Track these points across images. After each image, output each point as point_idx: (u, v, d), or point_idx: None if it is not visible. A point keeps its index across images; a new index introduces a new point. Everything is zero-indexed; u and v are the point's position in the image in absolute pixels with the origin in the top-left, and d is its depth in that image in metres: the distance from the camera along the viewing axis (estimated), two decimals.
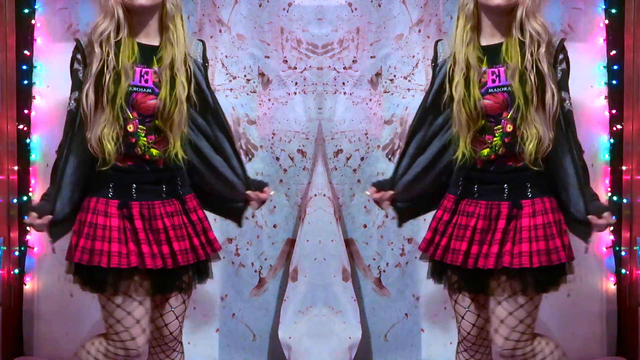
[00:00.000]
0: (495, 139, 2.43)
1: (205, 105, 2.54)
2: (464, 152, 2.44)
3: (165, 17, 2.46)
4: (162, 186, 2.45)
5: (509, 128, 2.41)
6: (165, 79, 2.43)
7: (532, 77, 2.40)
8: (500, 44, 2.45)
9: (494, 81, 2.43)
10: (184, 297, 2.56)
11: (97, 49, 2.42)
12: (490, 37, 2.47)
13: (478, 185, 2.46)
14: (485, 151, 2.44)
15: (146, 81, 2.43)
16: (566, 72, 2.47)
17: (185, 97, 2.44)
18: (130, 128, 2.40)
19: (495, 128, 2.42)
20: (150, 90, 2.42)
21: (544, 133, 2.40)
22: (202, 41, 2.63)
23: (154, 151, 2.43)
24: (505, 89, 2.42)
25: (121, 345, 2.44)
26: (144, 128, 2.41)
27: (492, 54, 2.46)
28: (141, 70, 2.43)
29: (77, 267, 2.44)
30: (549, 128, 2.41)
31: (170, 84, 2.43)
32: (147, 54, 2.45)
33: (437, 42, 2.62)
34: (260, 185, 2.69)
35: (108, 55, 2.40)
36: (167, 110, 2.41)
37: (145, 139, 2.42)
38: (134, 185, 2.43)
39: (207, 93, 2.56)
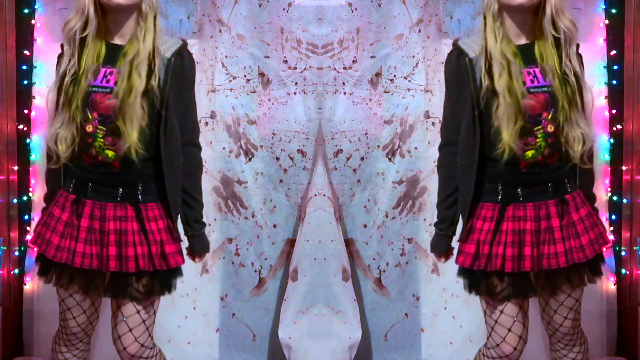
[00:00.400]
0: (538, 140, 2.42)
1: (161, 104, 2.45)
2: (510, 146, 2.39)
3: (139, 17, 2.44)
4: (117, 189, 2.44)
5: (550, 128, 2.41)
6: (123, 74, 2.40)
7: (572, 78, 2.43)
8: (529, 44, 2.46)
9: (532, 81, 2.43)
10: (138, 307, 2.46)
11: (65, 47, 2.45)
12: (515, 38, 2.47)
13: (522, 189, 2.45)
14: (530, 153, 2.42)
15: (107, 81, 2.42)
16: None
17: (142, 91, 2.39)
18: (89, 128, 2.40)
19: (535, 129, 2.41)
20: (109, 90, 2.40)
21: (588, 132, 2.43)
22: (183, 40, 2.57)
23: (109, 153, 2.40)
24: (546, 89, 2.42)
25: (62, 324, 2.57)
26: (104, 129, 2.40)
27: (523, 54, 2.45)
28: (106, 71, 2.42)
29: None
30: (589, 126, 2.46)
31: (127, 79, 2.40)
32: (117, 54, 2.44)
33: (458, 53, 2.53)
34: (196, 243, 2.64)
35: (73, 56, 2.42)
36: (120, 104, 2.38)
37: (102, 140, 2.40)
38: (90, 184, 2.44)
39: (168, 92, 2.45)
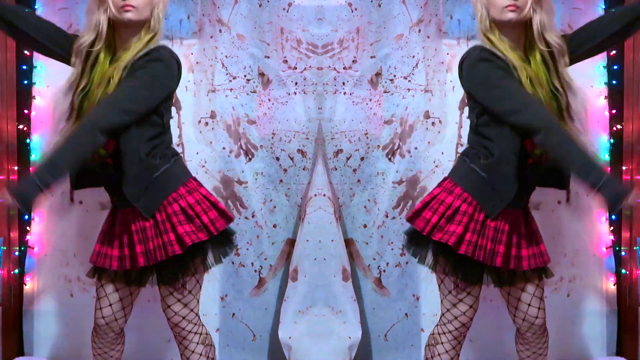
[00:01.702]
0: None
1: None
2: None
3: (146, 31, 2.57)
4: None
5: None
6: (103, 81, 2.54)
7: (562, 91, 2.53)
8: (526, 59, 2.58)
9: None
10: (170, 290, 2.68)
11: (75, 60, 2.57)
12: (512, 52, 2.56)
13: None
14: (538, 151, 2.54)
15: None
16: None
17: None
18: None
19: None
20: None
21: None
22: (163, 46, 2.63)
23: (101, 151, 2.52)
24: None
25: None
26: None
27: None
28: None
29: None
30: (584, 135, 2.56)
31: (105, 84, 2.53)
32: None
33: (490, 53, 2.58)
34: None
35: (83, 71, 2.55)
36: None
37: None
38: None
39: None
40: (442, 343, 2.73)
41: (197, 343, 2.73)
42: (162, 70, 2.55)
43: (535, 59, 2.57)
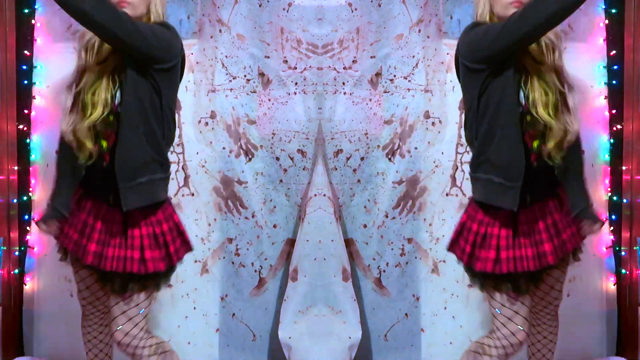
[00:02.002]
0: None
1: None
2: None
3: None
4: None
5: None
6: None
7: (556, 83, 2.53)
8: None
9: None
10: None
11: (82, 55, 2.55)
12: None
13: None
14: (535, 143, 2.55)
15: None
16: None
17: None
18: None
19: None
20: None
21: (575, 127, 2.55)
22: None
23: (104, 142, 2.54)
24: None
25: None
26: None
27: None
28: None
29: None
30: (575, 122, 2.56)
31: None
32: None
33: None
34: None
35: (90, 65, 2.54)
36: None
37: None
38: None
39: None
40: (490, 356, 2.67)
41: (149, 355, 2.68)
42: (167, 33, 2.53)
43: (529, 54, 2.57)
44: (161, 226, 2.58)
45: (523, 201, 2.55)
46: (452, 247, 2.68)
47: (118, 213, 2.55)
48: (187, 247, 2.69)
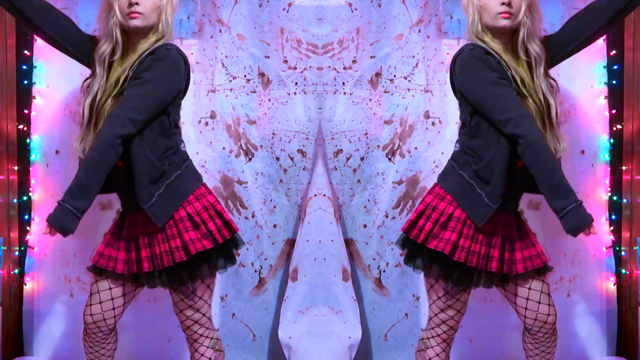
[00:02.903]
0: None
1: None
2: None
3: (155, 34, 2.62)
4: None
5: None
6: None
7: (539, 96, 2.57)
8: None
9: None
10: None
11: (98, 69, 2.61)
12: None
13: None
14: None
15: None
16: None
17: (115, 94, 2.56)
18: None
19: None
20: None
21: (556, 146, 2.58)
22: (170, 44, 2.65)
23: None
24: None
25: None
26: None
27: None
28: None
29: None
30: (559, 140, 2.60)
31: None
32: None
33: (485, 51, 2.60)
34: None
35: (103, 77, 2.60)
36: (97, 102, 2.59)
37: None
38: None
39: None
40: (432, 347, 2.75)
41: (207, 347, 2.74)
42: (168, 70, 2.55)
43: (522, 64, 2.61)
44: (193, 205, 2.58)
45: (507, 204, 2.59)
46: (410, 229, 2.66)
47: (139, 214, 2.58)
48: (230, 228, 2.65)
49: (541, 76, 2.60)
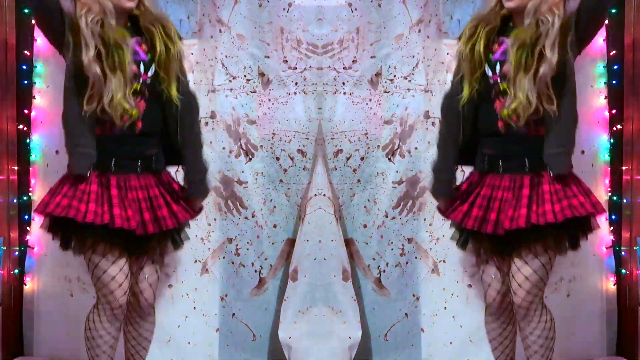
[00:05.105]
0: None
1: None
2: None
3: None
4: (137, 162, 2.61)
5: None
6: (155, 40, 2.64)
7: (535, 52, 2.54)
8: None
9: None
10: (156, 267, 2.75)
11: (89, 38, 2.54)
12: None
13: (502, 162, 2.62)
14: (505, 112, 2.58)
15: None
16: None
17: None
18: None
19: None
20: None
21: (529, 98, 2.53)
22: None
23: (134, 112, 2.57)
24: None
25: (104, 300, 2.62)
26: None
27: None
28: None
29: (54, 228, 2.61)
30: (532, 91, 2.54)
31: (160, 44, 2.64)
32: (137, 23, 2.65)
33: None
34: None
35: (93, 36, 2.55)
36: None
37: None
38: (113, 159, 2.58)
39: None
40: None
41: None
42: None
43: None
44: (171, 186, 2.70)
45: (522, 167, 2.60)
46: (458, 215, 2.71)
47: (135, 179, 2.60)
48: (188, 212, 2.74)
49: (551, 37, 2.60)
